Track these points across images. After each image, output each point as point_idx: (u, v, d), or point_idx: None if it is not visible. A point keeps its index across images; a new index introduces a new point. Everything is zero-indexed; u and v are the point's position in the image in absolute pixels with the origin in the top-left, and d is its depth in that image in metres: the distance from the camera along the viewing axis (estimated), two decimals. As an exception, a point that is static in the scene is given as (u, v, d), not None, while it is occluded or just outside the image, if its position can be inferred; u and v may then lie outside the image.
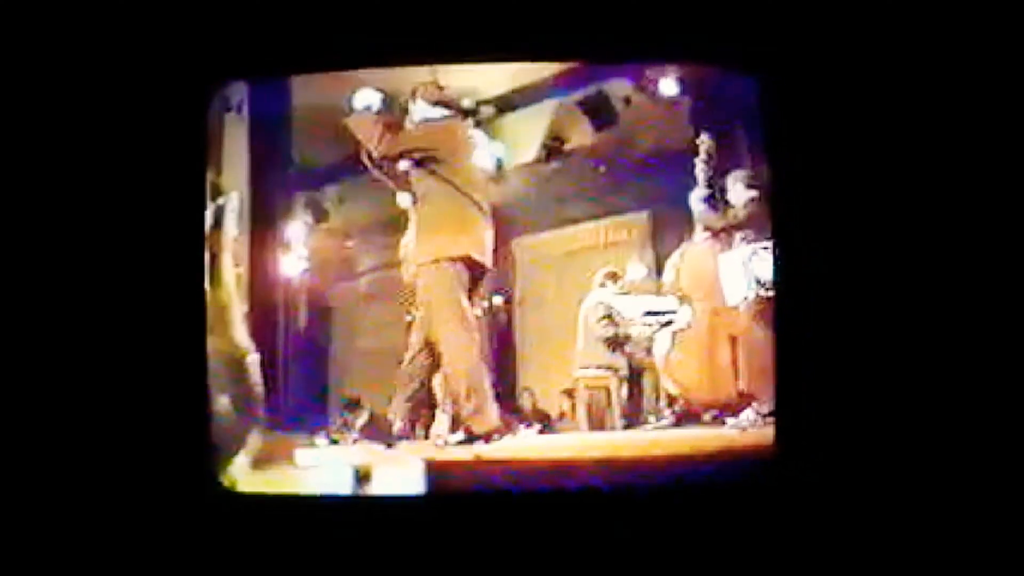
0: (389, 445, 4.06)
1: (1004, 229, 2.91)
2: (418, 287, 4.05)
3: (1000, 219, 2.91)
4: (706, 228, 4.48)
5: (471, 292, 3.95)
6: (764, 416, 3.74)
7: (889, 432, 2.87)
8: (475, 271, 3.95)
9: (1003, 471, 2.83)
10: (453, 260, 3.87)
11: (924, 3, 2.94)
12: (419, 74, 4.03)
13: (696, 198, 4.44)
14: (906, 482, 2.85)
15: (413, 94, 4.05)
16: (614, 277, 5.43)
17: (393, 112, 4.04)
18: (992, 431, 2.85)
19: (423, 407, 4.31)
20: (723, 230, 4.33)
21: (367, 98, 3.95)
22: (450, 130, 4.04)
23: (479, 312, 4.20)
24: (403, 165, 4.02)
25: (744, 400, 4.06)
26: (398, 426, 4.13)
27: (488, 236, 4.01)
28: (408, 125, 4.06)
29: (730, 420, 4.10)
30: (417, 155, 3.95)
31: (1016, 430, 2.84)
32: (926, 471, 2.85)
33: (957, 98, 2.93)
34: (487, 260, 4.00)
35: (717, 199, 4.39)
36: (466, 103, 4.14)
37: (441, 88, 4.06)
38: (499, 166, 4.23)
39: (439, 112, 4.06)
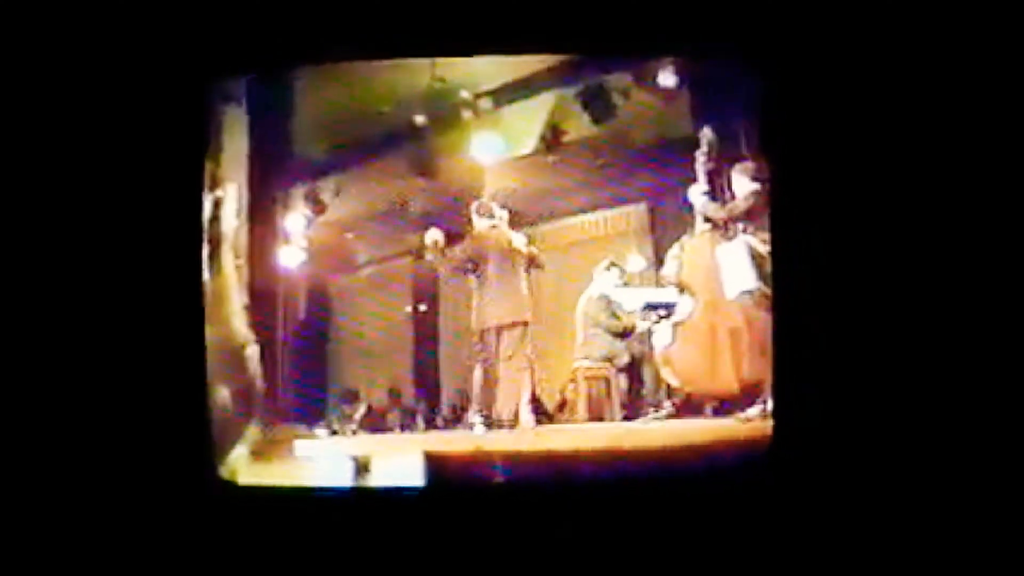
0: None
1: (1001, 222, 2.91)
2: None
3: (998, 212, 2.91)
4: (707, 220, 4.47)
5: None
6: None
7: (887, 425, 2.87)
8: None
9: (1005, 470, 2.83)
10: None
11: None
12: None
13: (696, 191, 4.44)
14: (907, 476, 2.85)
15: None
16: (615, 268, 5.43)
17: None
18: (994, 431, 2.85)
19: None
20: (724, 221, 4.32)
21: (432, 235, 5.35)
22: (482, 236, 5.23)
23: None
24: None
25: (752, 391, 4.04)
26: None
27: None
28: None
29: (741, 414, 4.08)
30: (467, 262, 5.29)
31: (1016, 424, 2.84)
32: (925, 464, 2.85)
33: (956, 92, 2.93)
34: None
35: (718, 191, 4.38)
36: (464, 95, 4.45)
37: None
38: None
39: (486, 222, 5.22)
